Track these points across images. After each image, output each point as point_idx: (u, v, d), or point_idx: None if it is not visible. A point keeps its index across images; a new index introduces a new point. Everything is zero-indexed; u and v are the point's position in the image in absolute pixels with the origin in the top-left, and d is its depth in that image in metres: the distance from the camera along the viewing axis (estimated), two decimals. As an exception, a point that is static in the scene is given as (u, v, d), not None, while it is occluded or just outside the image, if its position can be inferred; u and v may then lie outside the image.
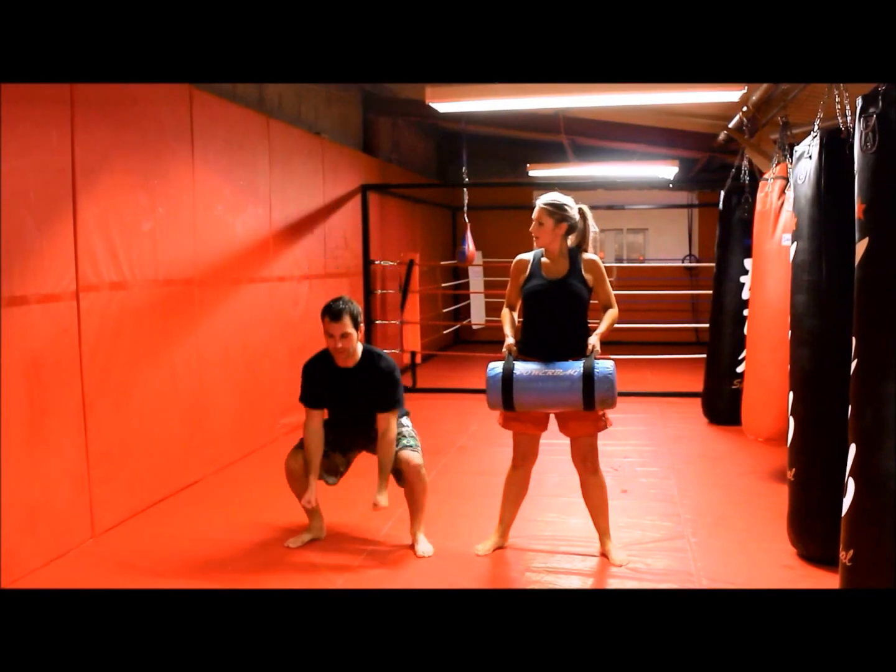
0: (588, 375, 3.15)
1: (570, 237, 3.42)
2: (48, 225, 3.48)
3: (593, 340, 3.29)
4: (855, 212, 2.50)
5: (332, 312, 3.43)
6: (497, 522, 3.61)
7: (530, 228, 3.40)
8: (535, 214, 3.39)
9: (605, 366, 3.20)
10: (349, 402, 3.56)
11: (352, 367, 3.53)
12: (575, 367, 3.20)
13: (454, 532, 3.80)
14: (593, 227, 3.48)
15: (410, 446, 3.57)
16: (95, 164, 3.77)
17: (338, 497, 3.86)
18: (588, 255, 3.43)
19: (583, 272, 3.38)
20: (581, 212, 3.45)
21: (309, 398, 3.58)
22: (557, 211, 3.37)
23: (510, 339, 3.37)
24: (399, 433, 3.57)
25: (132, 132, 4.07)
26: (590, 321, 3.44)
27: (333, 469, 3.68)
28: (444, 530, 3.83)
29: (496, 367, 3.27)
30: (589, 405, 3.19)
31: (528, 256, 3.48)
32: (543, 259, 3.43)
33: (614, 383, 3.18)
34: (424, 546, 3.56)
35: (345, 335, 3.42)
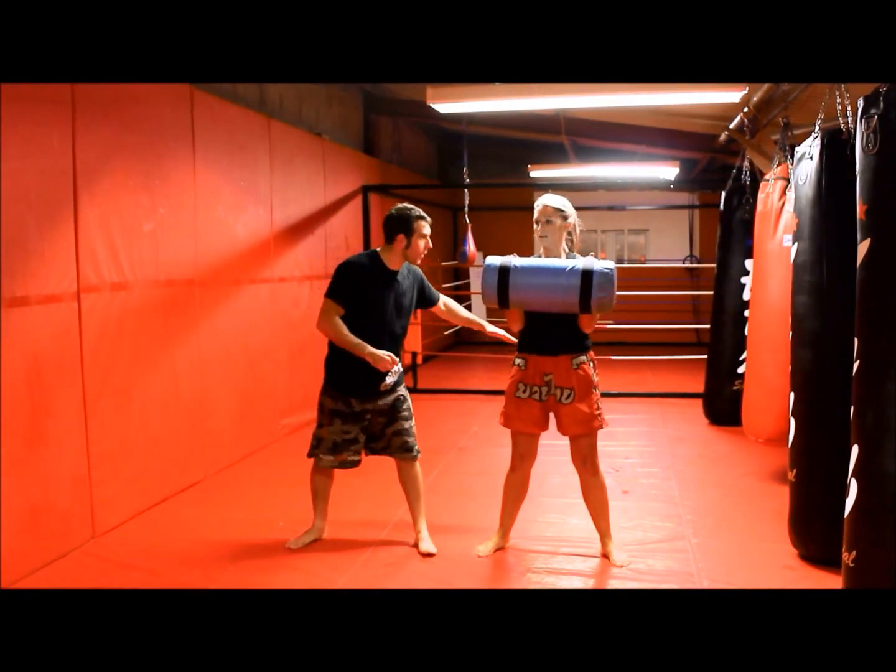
0: (587, 270, 3.11)
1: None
2: (49, 225, 3.48)
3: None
4: (856, 213, 2.50)
5: (426, 216, 3.58)
6: (498, 524, 3.61)
7: (537, 229, 3.38)
8: (541, 214, 3.37)
9: (604, 264, 3.15)
10: (393, 308, 3.51)
11: (398, 269, 3.56)
12: (574, 268, 3.15)
13: (455, 532, 3.80)
14: (579, 227, 3.49)
15: (410, 453, 3.58)
16: (96, 164, 3.77)
17: (339, 498, 3.85)
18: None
19: None
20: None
21: (342, 297, 3.47)
22: (564, 209, 3.39)
23: None
24: (408, 436, 3.58)
25: (133, 133, 4.07)
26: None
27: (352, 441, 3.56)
28: (445, 531, 3.82)
29: (494, 263, 3.23)
30: (585, 302, 3.13)
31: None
32: None
33: (613, 281, 3.12)
34: (428, 544, 3.57)
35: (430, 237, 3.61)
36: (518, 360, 3.43)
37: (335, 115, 7.50)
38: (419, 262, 3.61)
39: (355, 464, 3.61)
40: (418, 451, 3.63)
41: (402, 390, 3.61)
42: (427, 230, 3.56)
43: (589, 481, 3.44)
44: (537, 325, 3.38)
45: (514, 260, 3.25)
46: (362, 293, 3.47)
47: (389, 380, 3.50)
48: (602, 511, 3.48)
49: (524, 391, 3.39)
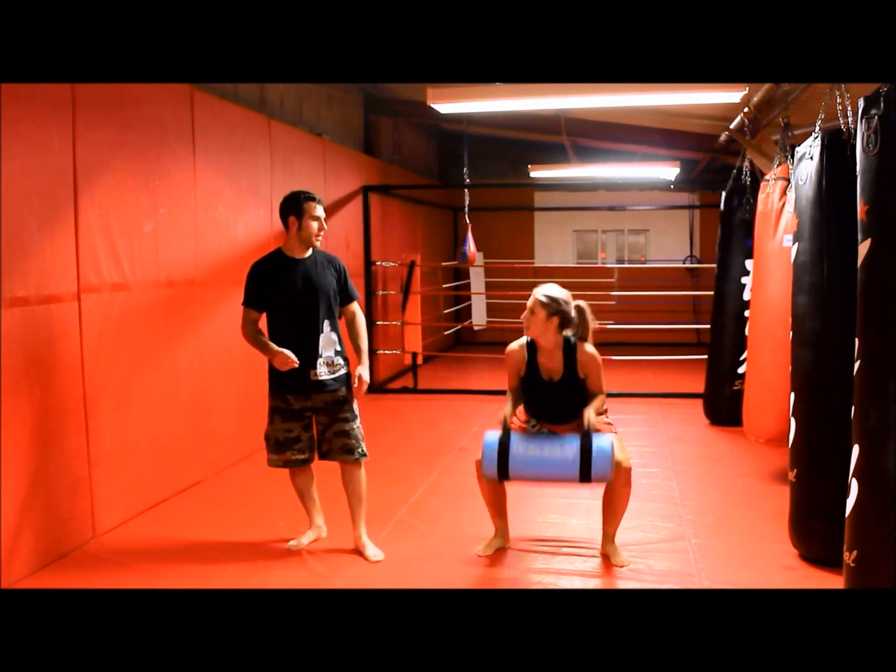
0: (586, 453, 3.16)
1: (566, 328, 3.36)
2: (49, 226, 3.48)
3: (590, 416, 3.27)
4: (856, 213, 2.50)
5: (316, 198, 3.51)
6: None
7: (522, 316, 3.34)
8: (529, 303, 3.32)
9: (603, 444, 3.19)
10: (303, 294, 3.47)
11: (305, 257, 3.53)
12: (572, 446, 3.19)
13: (455, 533, 3.80)
14: (592, 323, 3.43)
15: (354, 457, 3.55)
16: (97, 164, 3.77)
17: (339, 498, 3.85)
18: (584, 351, 3.36)
19: (577, 369, 3.35)
20: (579, 308, 3.40)
21: (254, 302, 3.54)
22: (552, 303, 3.29)
23: (507, 409, 3.37)
24: (349, 437, 3.52)
25: (133, 133, 4.07)
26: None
27: (295, 440, 3.54)
28: (445, 531, 3.83)
29: (493, 440, 3.26)
30: (585, 478, 3.19)
31: (520, 347, 3.43)
32: (538, 352, 3.39)
33: (612, 458, 3.19)
34: (374, 551, 3.53)
35: (324, 220, 3.54)
36: (529, 424, 3.50)
37: (335, 115, 7.50)
38: (317, 243, 3.53)
39: (301, 463, 3.58)
40: (363, 454, 3.54)
41: (345, 391, 3.54)
42: (318, 212, 3.49)
43: (619, 491, 3.38)
44: (540, 401, 3.44)
45: (513, 441, 3.24)
46: (271, 290, 3.50)
47: (320, 370, 3.45)
48: (616, 518, 3.46)
49: (534, 426, 3.51)
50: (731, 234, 5.93)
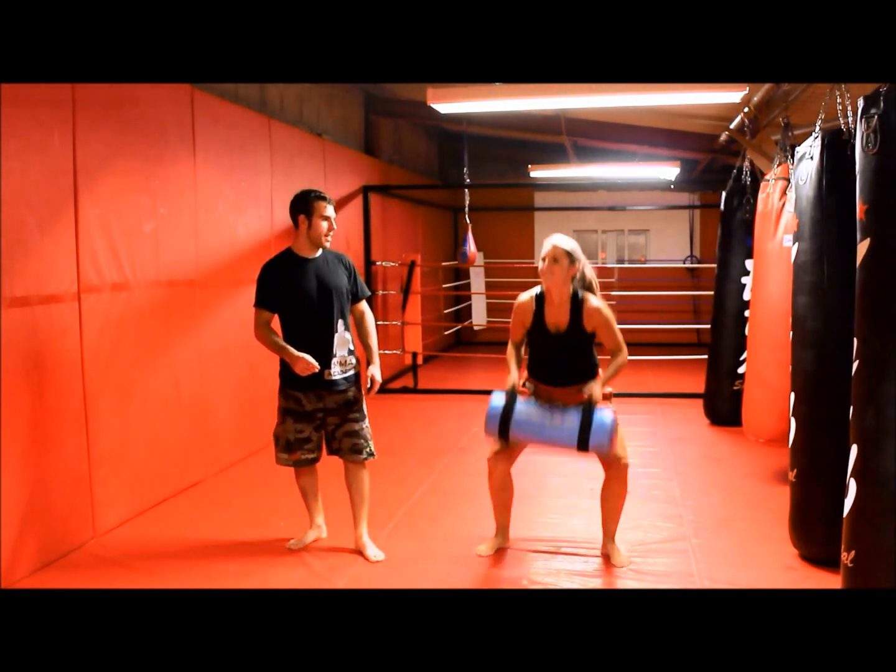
0: (586, 422, 3.18)
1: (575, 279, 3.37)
2: (50, 226, 3.48)
3: (595, 390, 3.24)
4: (856, 213, 2.50)
5: (327, 197, 3.50)
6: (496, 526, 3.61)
7: (541, 268, 3.33)
8: (549, 254, 3.32)
9: (604, 418, 3.19)
10: (317, 293, 3.45)
11: (316, 256, 3.53)
12: (574, 415, 3.20)
13: (455, 533, 3.81)
14: (589, 271, 3.42)
15: (360, 453, 3.55)
16: (97, 164, 3.78)
17: (339, 498, 3.85)
18: (591, 303, 3.33)
19: (583, 322, 3.33)
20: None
21: (267, 302, 3.47)
22: (574, 253, 3.32)
23: (514, 375, 3.37)
24: (359, 437, 3.54)
25: (134, 133, 4.07)
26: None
27: (304, 440, 3.55)
28: (445, 531, 3.83)
29: (498, 403, 3.29)
30: (583, 448, 3.21)
31: (530, 299, 3.43)
32: (546, 304, 3.38)
33: (610, 434, 3.20)
34: (374, 551, 3.54)
35: (334, 220, 3.52)
36: (528, 384, 3.49)
37: (336, 115, 7.50)
38: (326, 244, 3.52)
39: (311, 462, 3.59)
40: (371, 453, 3.56)
41: (355, 391, 3.55)
42: (328, 211, 3.48)
43: (613, 490, 3.40)
44: (543, 355, 3.43)
45: (517, 407, 3.26)
46: (283, 290, 3.47)
47: (334, 369, 3.44)
48: (615, 515, 3.47)
49: (532, 389, 3.48)
50: (732, 234, 5.93)
